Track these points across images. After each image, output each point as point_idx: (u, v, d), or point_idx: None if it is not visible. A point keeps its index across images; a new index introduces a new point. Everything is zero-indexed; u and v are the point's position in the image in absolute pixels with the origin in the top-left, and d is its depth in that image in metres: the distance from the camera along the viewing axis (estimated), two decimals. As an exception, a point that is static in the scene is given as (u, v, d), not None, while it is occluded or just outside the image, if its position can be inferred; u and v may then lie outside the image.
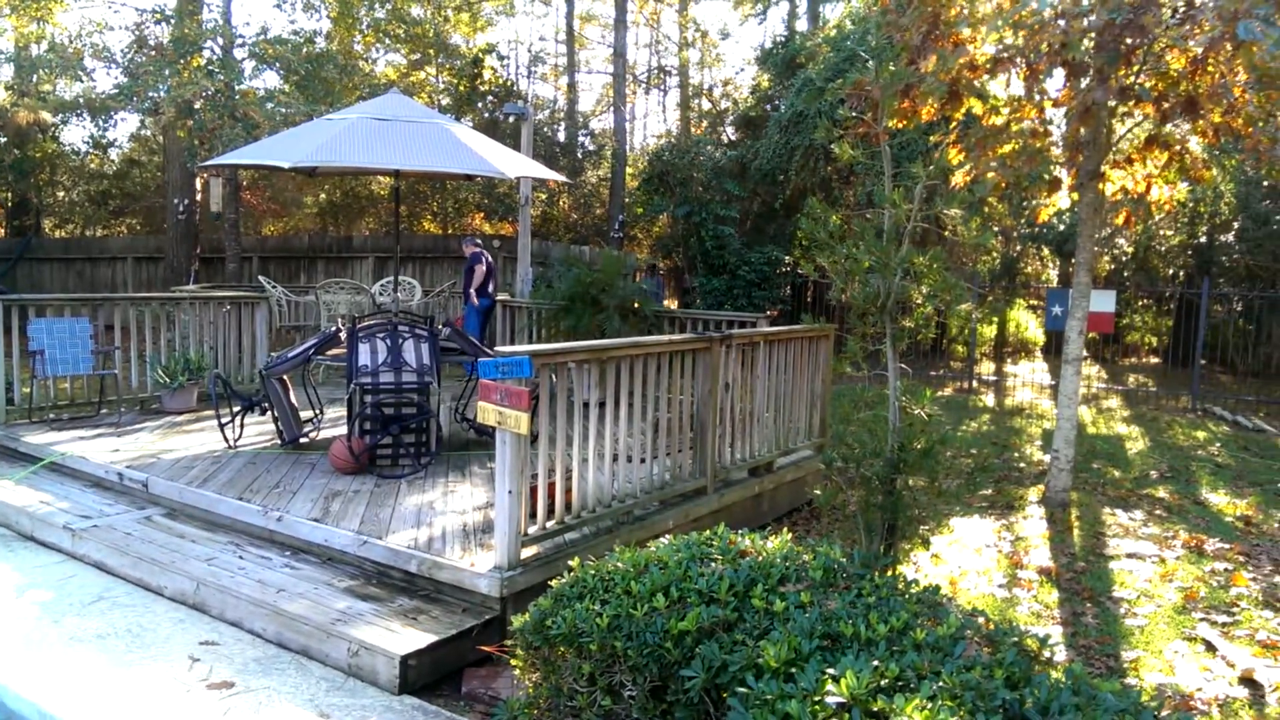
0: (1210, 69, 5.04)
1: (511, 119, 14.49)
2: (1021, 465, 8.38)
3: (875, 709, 2.17)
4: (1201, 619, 4.73)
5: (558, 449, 4.39)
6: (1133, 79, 5.19)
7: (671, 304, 17.32)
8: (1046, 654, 2.86)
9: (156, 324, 8.04)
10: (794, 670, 2.37)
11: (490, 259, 10.41)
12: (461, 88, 20.16)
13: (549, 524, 4.35)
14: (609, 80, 22.54)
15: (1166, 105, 5.29)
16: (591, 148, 23.12)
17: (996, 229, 16.00)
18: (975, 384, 13.64)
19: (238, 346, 8.70)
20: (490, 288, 10.39)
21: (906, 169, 3.50)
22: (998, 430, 10.21)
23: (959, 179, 7.08)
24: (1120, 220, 7.78)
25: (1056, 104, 5.65)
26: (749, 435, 5.99)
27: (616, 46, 18.90)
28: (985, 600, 4.93)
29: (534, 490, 4.27)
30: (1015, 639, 2.85)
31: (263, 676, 3.69)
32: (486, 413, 3.99)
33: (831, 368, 6.36)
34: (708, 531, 3.40)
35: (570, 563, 3.35)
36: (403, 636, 3.77)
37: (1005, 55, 5.40)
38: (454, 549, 4.42)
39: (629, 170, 20.77)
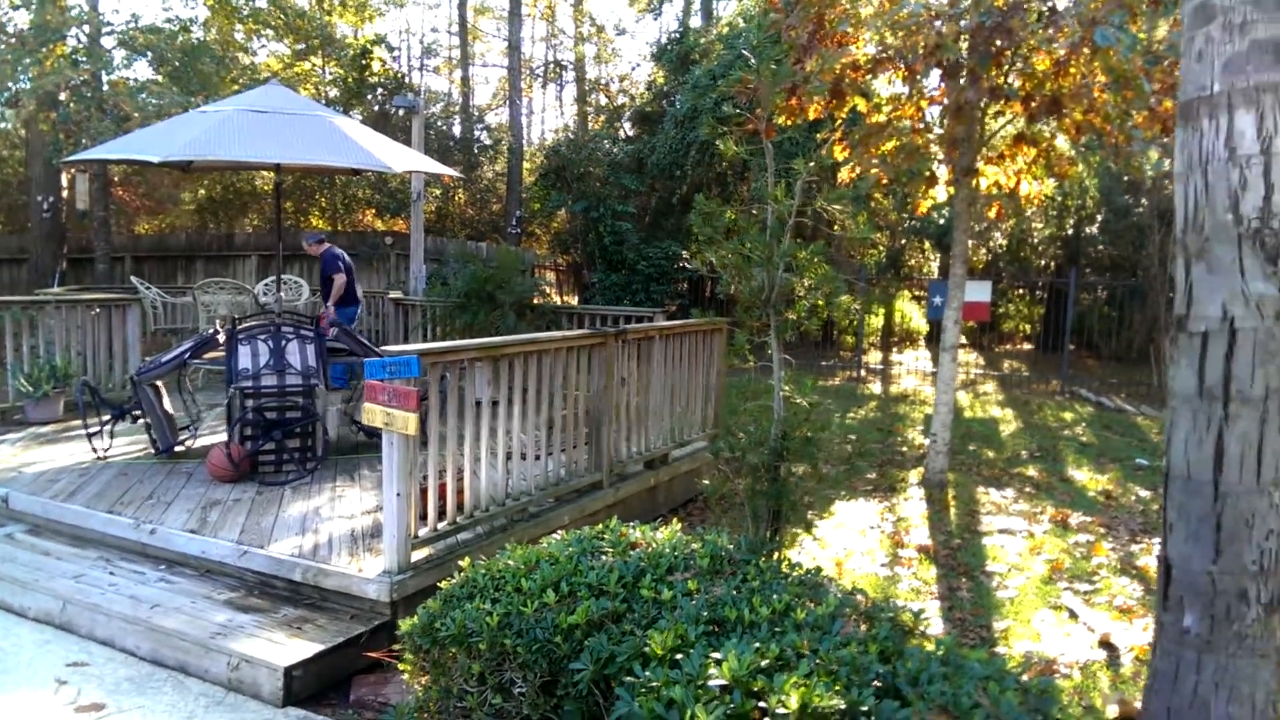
0: (1072, 70, 5.38)
1: (402, 112, 14.17)
2: (904, 449, 8.74)
3: (756, 689, 2.23)
4: (1065, 588, 5.05)
5: (449, 449, 4.33)
6: (1003, 79, 5.49)
7: (572, 300, 17.31)
8: (921, 628, 3.02)
9: (19, 329, 7.52)
10: (680, 657, 2.42)
11: (348, 259, 8.49)
12: (350, 80, 19.58)
13: (440, 525, 4.29)
14: (505, 74, 22.31)
15: (1033, 105, 5.61)
16: (488, 142, 22.82)
17: (881, 223, 16.61)
18: (863, 373, 14.13)
19: (108, 352, 8.22)
20: (357, 292, 8.69)
21: (788, 165, 3.60)
22: (883, 416, 10.61)
23: (845, 175, 7.33)
24: (993, 214, 8.21)
25: (933, 102, 5.92)
26: (645, 429, 6.05)
27: (511, 39, 18.71)
28: (869, 579, 5.13)
29: (424, 491, 4.21)
30: (890, 615, 2.99)
31: (136, 696, 3.52)
32: (373, 414, 3.91)
33: (724, 360, 6.49)
34: (600, 525, 3.44)
35: (461, 563, 3.33)
36: (287, 647, 3.66)
37: (885, 56, 5.62)
38: (341, 555, 4.31)
39: (527, 165, 20.62)
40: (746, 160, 4.01)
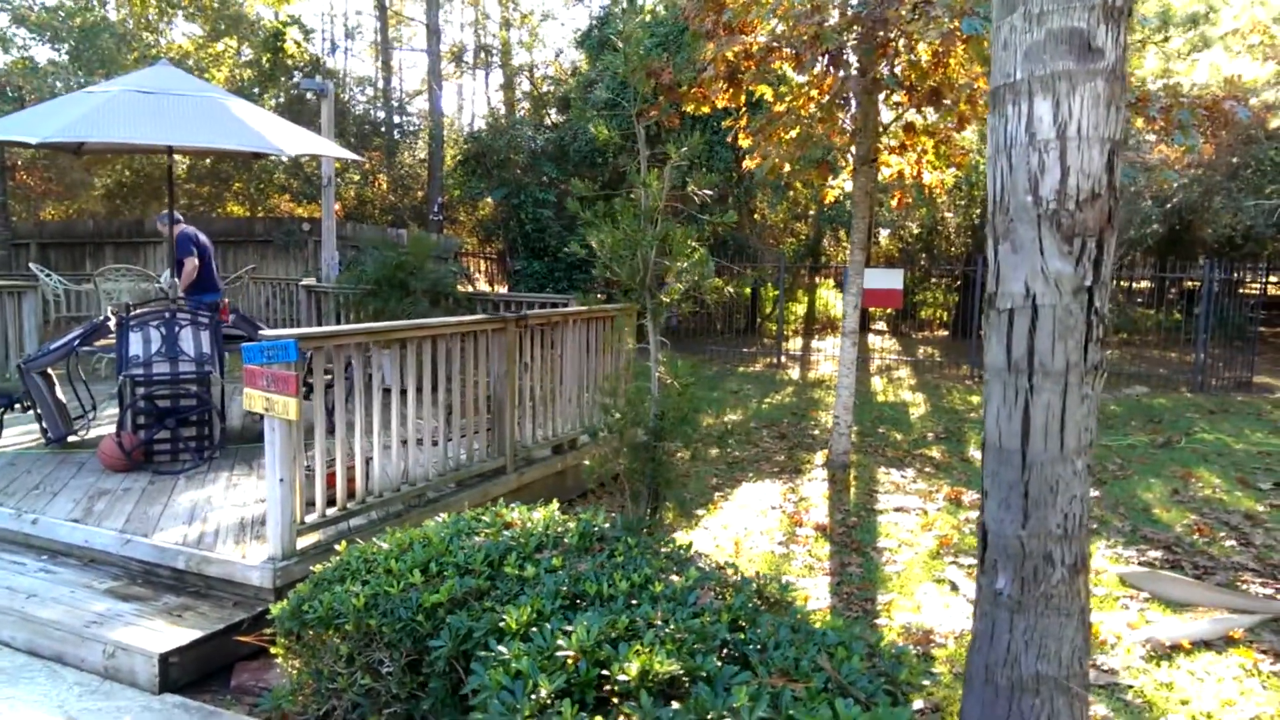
0: (951, 61, 5.57)
1: (310, 96, 13.84)
2: (815, 432, 8.95)
3: (602, 658, 2.30)
4: (951, 562, 5.26)
5: (337, 436, 4.30)
6: (888, 70, 5.65)
7: (504, 288, 17.21)
8: (788, 599, 3.13)
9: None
10: (535, 630, 2.47)
11: (205, 242, 7.88)
12: (265, 61, 19.04)
13: (330, 511, 4.27)
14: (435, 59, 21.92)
15: (917, 94, 5.79)
16: (411, 128, 22.44)
17: (800, 212, 16.89)
18: (783, 359, 14.38)
19: (3, 340, 7.90)
20: (216, 278, 8.08)
21: (655, 150, 3.65)
22: (798, 401, 10.84)
23: (750, 163, 7.45)
24: (894, 203, 8.44)
25: (823, 92, 6.06)
26: (552, 414, 6.09)
27: (430, 23, 18.42)
28: (765, 557, 5.26)
29: (330, 476, 4.18)
30: (755, 587, 3.09)
31: (7, 686, 3.44)
32: (253, 400, 3.86)
33: (628, 344, 6.54)
34: (481, 508, 3.47)
35: (337, 547, 3.33)
36: (165, 635, 3.61)
37: (775, 45, 5.73)
38: (228, 543, 4.26)
39: (451, 152, 20.35)
40: (674, 147, 4.04)
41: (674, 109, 6.86)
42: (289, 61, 18.77)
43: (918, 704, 3.46)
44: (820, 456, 7.75)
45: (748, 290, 17.67)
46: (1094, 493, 6.72)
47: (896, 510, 6.25)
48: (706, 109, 6.89)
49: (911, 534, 5.76)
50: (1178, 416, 9.89)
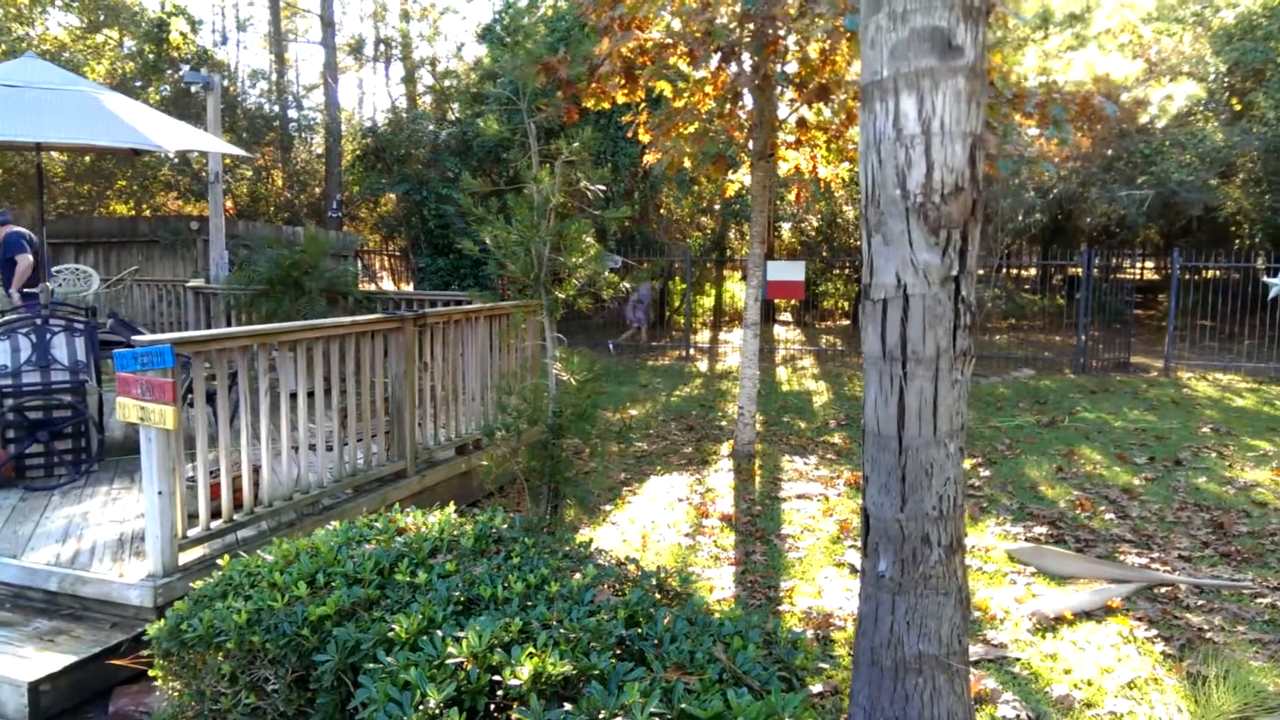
0: (838, 58, 5.71)
1: (193, 89, 13.23)
2: (723, 424, 9.06)
3: (494, 663, 2.26)
4: (851, 546, 5.39)
5: (221, 443, 4.12)
6: (778, 66, 5.75)
7: (408, 286, 16.83)
8: (688, 591, 3.15)
9: None
10: (425, 639, 2.42)
11: (35, 240, 7.45)
12: (148, 53, 18.11)
13: (215, 523, 4.09)
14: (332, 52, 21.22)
15: (808, 91, 5.90)
16: (308, 122, 21.71)
17: (705, 206, 17.07)
18: (692, 352, 14.51)
19: None
20: (39, 279, 7.43)
21: (555, 146, 3.62)
22: (707, 393, 10.95)
23: (651, 158, 7.47)
24: (793, 196, 8.60)
25: (717, 88, 6.12)
26: (455, 413, 5.98)
27: (325, 15, 17.85)
28: (671, 549, 5.29)
29: (214, 488, 4.00)
30: (656, 581, 3.10)
31: None
32: (127, 409, 3.66)
33: (526, 342, 6.48)
34: (375, 514, 3.38)
35: (220, 561, 3.20)
36: (34, 662, 3.40)
37: (670, 41, 5.75)
38: (105, 561, 4.03)
39: (350, 147, 19.78)
40: (565, 143, 4.00)
41: (573, 104, 6.82)
42: (174, 54, 17.90)
43: (816, 688, 3.53)
44: (727, 447, 7.85)
45: (656, 284, 17.76)
46: (985, 472, 7.00)
47: (799, 497, 6.38)
48: (606, 104, 6.87)
49: (814, 520, 5.88)
50: (1062, 397, 10.40)
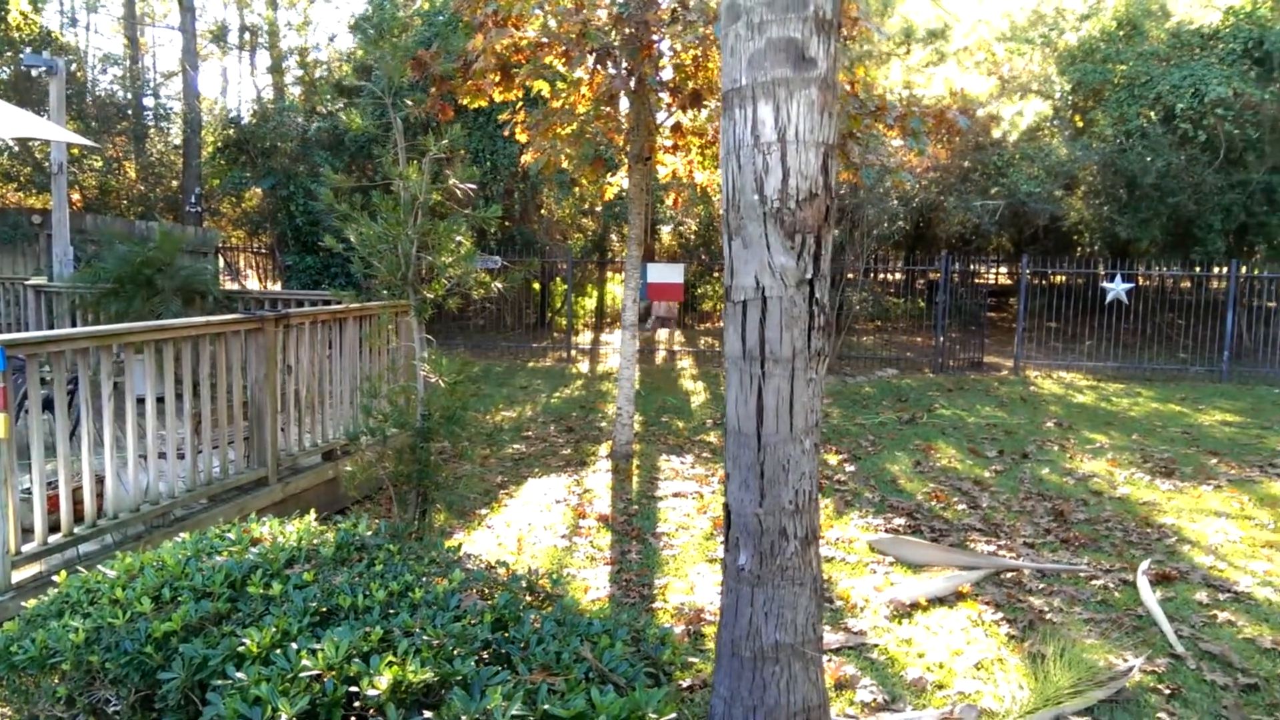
0: (710, 64, 5.83)
1: (36, 73, 12.27)
2: (603, 424, 9.09)
3: (352, 674, 2.20)
4: (723, 542, 5.51)
5: (60, 453, 3.84)
6: (654, 71, 5.83)
7: (274, 285, 16.09)
8: (559, 592, 3.15)
9: None
10: (279, 652, 2.32)
11: None
12: (-20, 31, 16.63)
13: (53, 538, 3.81)
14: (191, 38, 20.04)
15: (681, 96, 6.01)
16: (165, 111, 20.46)
17: (587, 208, 17.09)
18: (574, 353, 14.51)
19: None
20: None
21: (423, 142, 3.55)
22: (588, 394, 10.97)
23: (528, 158, 7.42)
24: (672, 201, 8.72)
25: (594, 90, 6.15)
26: (321, 418, 5.77)
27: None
28: (548, 551, 5.27)
29: (53, 499, 3.71)
30: (526, 583, 3.09)
31: None
32: (-54, 417, 3.36)
33: (394, 343, 6.33)
34: (228, 525, 3.22)
35: (56, 578, 2.97)
36: None
37: (545, 40, 5.73)
38: (-79, 583, 3.68)
39: (212, 138, 18.77)
40: (455, 140, 3.89)
41: (448, 101, 6.70)
42: (15, 35, 16.53)
43: (686, 682, 3.59)
44: (605, 448, 7.88)
45: (537, 285, 17.67)
46: (850, 468, 7.30)
47: (675, 495, 6.47)
48: (483, 102, 6.78)
49: (689, 517, 5.98)
50: (922, 395, 10.96)
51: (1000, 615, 4.35)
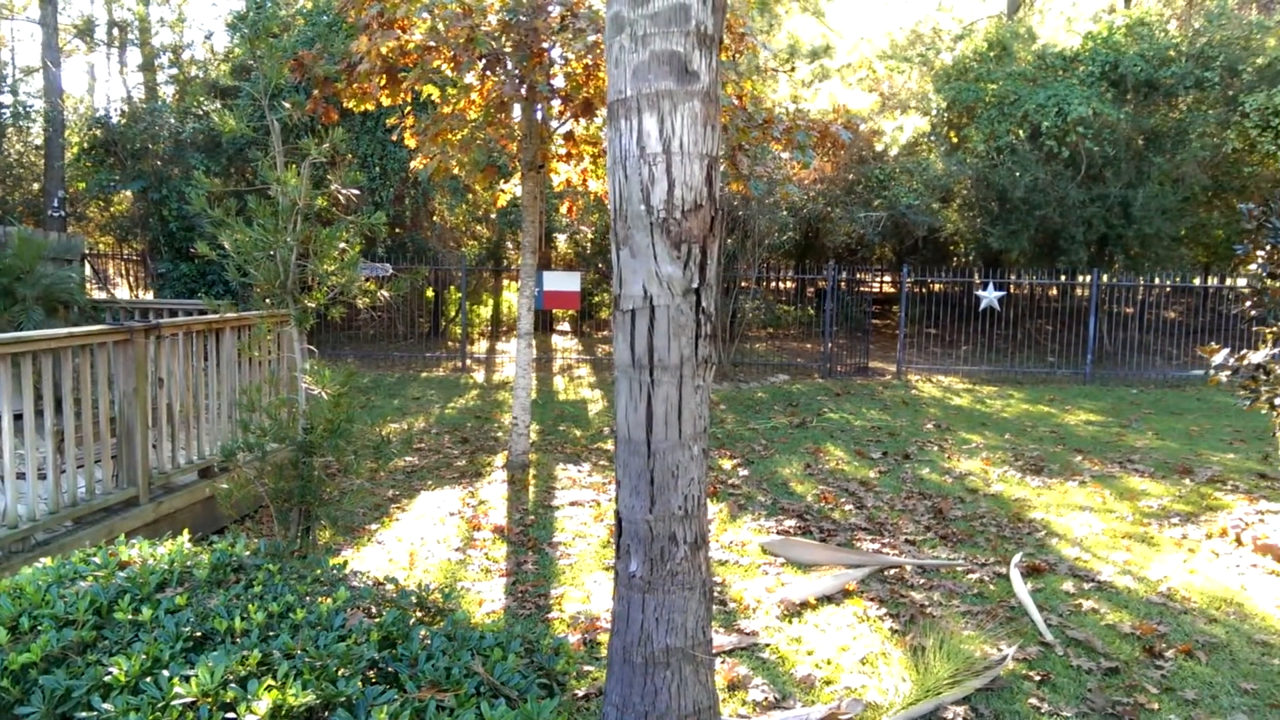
0: (601, 73, 5.87)
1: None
2: (499, 434, 8.99)
3: (228, 700, 2.10)
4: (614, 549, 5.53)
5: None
6: (544, 79, 5.82)
7: (148, 294, 15.23)
8: (450, 606, 3.09)
9: None
10: (149, 680, 2.20)
11: None
12: None
13: (-110, 569, 3.49)
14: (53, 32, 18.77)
15: (573, 104, 6.02)
16: (24, 109, 19.10)
17: (481, 215, 16.90)
18: (469, 362, 14.30)
19: None
20: None
21: (303, 145, 3.44)
22: (483, 404, 10.82)
23: (418, 163, 7.28)
24: (566, 209, 8.72)
25: (484, 96, 6.09)
26: (198, 434, 5.50)
27: (43, -11, 15.82)
28: (441, 565, 5.17)
29: None
30: (416, 599, 3.02)
31: None
32: None
33: (273, 354, 6.11)
34: (94, 549, 3.03)
35: (-108, 613, 2.73)
36: None
37: (432, 43, 5.65)
38: None
39: (77, 139, 17.64)
40: (341, 143, 3.76)
41: (331, 104, 6.51)
42: None
43: (582, 691, 3.59)
44: (501, 458, 7.80)
45: (431, 294, 17.34)
46: (743, 472, 7.45)
47: (572, 504, 6.46)
48: (370, 106, 6.62)
49: (585, 525, 5.98)
50: (811, 400, 11.29)
51: (884, 611, 4.51)
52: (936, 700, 3.53)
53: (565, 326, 19.73)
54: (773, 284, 18.05)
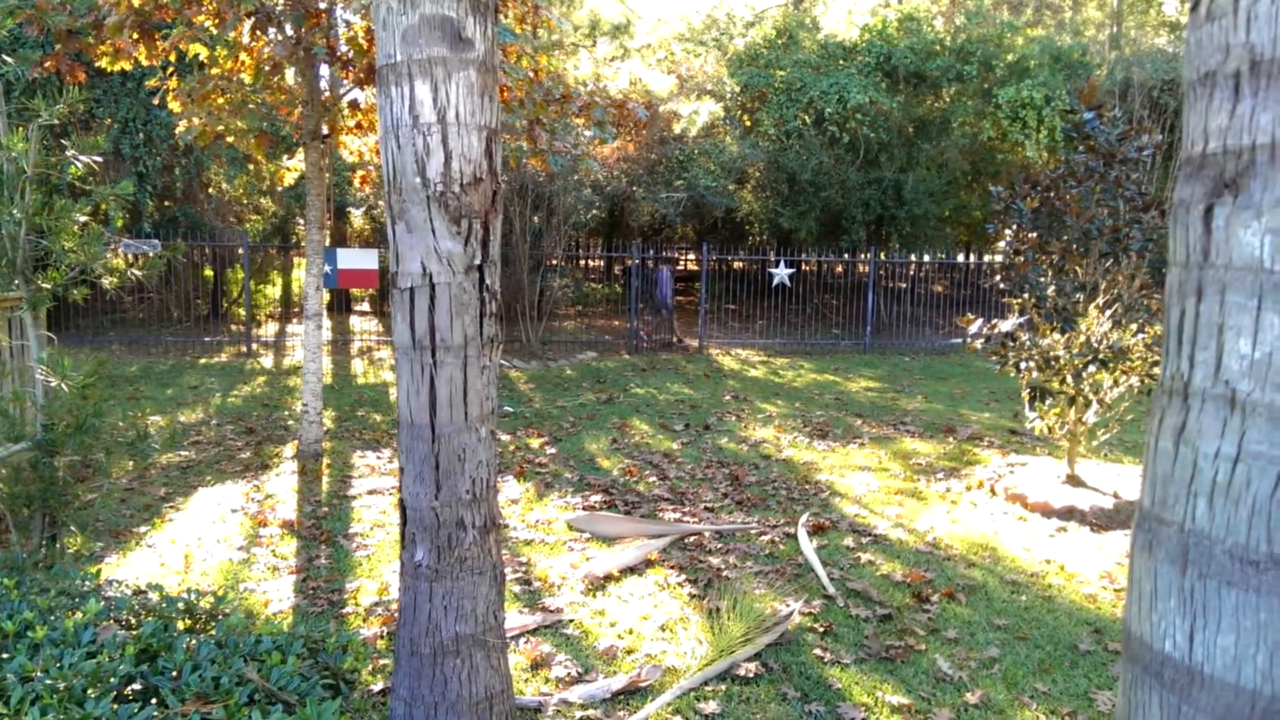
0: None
1: None
2: (289, 423, 8.46)
3: (-57, 741, 1.84)
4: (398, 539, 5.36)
5: None
6: (322, 41, 5.46)
7: None
8: (223, 611, 2.87)
9: None
10: None
11: None
12: None
13: None
14: None
15: (356, 70, 5.71)
16: None
17: (265, 188, 15.78)
18: (255, 347, 13.36)
19: None
20: None
21: (33, 106, 3.02)
22: (272, 391, 10.15)
23: (180, 128, 6.65)
24: (359, 182, 8.28)
25: (254, 56, 5.64)
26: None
27: None
28: (221, 566, 4.81)
29: None
30: (183, 606, 2.78)
31: None
32: None
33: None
34: None
35: None
36: None
37: (194, -1, 5.15)
38: None
39: None
40: (70, 104, 3.28)
41: (80, 60, 5.81)
42: None
43: (378, 685, 3.45)
44: (291, 448, 7.35)
45: (209, 272, 16.03)
46: (551, 450, 7.45)
47: (371, 493, 6.20)
48: (126, 65, 5.95)
49: (384, 515, 5.76)
50: (619, 376, 11.47)
51: (684, 577, 4.66)
52: (730, 659, 3.69)
53: (365, 307, 18.88)
54: (582, 261, 18.13)
